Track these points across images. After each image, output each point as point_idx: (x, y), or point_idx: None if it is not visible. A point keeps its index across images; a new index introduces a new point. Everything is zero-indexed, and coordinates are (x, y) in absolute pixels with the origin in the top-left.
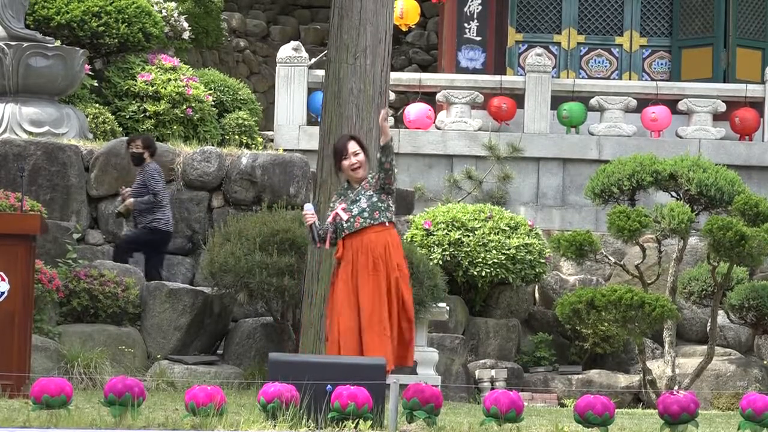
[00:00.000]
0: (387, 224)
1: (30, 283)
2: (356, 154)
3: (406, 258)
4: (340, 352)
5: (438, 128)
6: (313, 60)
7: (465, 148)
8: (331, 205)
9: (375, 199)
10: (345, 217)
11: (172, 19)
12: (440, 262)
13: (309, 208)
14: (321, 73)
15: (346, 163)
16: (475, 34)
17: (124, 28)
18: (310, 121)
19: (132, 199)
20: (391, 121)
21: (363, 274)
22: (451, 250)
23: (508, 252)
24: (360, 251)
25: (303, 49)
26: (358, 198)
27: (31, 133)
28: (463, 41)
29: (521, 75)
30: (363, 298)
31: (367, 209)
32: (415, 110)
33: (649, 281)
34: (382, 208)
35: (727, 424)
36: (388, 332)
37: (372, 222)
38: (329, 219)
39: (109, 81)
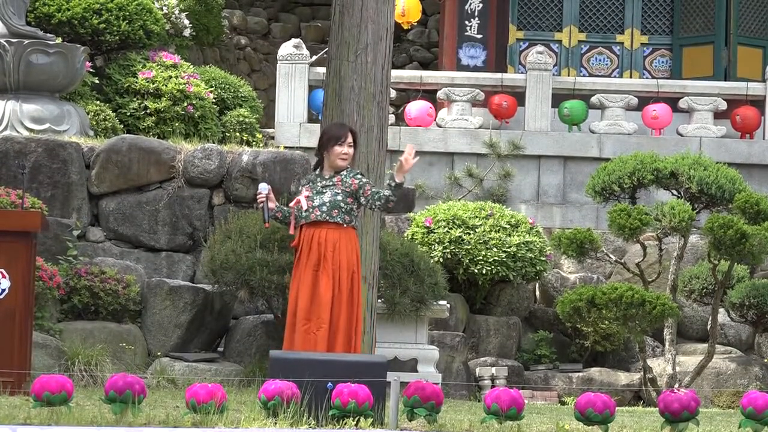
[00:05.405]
0: (344, 225)
1: (31, 280)
2: (350, 146)
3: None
4: (293, 334)
5: (439, 126)
6: (314, 57)
7: (466, 145)
8: (299, 189)
9: (339, 198)
10: (305, 206)
11: (173, 16)
12: (441, 260)
13: (263, 188)
14: (322, 70)
15: (338, 149)
16: (476, 32)
17: (125, 26)
18: (311, 119)
19: None
20: (392, 119)
21: (307, 267)
22: (452, 247)
23: (508, 250)
24: (311, 243)
25: (304, 46)
26: (324, 190)
27: (31, 130)
28: (464, 39)
29: (522, 73)
30: (301, 292)
31: (327, 205)
32: (415, 108)
33: (649, 279)
34: (344, 210)
35: (728, 422)
36: (308, 326)
37: (327, 218)
38: (291, 203)
39: (110, 78)
